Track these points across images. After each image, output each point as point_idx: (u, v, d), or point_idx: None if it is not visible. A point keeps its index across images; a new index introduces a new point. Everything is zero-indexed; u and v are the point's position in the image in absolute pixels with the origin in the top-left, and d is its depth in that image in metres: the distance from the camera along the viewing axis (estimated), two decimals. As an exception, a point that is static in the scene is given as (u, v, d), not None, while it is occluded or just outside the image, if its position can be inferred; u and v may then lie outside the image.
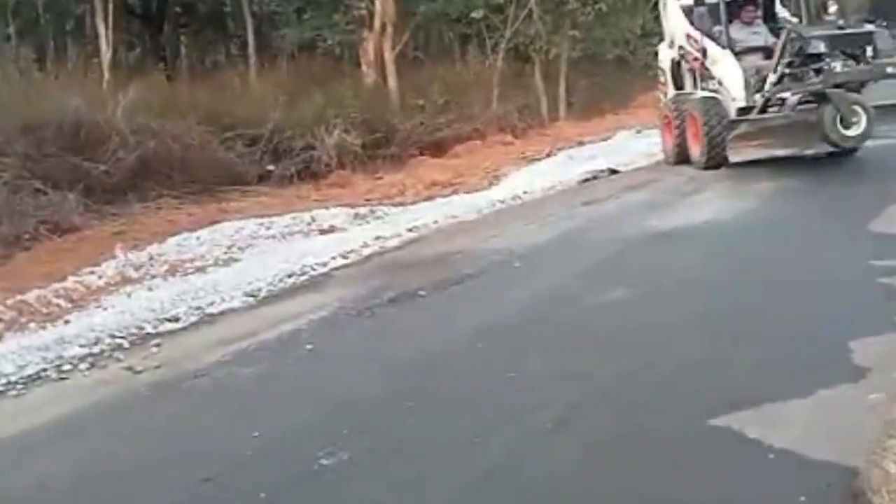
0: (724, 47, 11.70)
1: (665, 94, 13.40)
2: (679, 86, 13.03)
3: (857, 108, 10.58)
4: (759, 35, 12.00)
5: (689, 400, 4.49)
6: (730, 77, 11.50)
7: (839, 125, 10.46)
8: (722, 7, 11.87)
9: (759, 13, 12.30)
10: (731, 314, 5.86)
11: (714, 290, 6.50)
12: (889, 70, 10.96)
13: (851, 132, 10.51)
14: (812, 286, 6.31)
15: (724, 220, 8.89)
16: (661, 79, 13.63)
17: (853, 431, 3.94)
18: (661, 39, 13.81)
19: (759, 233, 8.36)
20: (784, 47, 10.87)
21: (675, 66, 13.09)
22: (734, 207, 9.41)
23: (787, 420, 4.16)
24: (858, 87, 11.06)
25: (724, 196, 10.14)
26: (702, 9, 12.51)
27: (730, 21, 11.89)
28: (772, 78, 10.92)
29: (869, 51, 10.90)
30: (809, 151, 11.13)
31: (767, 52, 11.55)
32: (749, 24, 12.08)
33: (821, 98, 10.80)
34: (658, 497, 3.64)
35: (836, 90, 10.67)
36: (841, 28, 11.10)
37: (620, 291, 6.58)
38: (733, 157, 11.34)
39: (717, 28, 12.04)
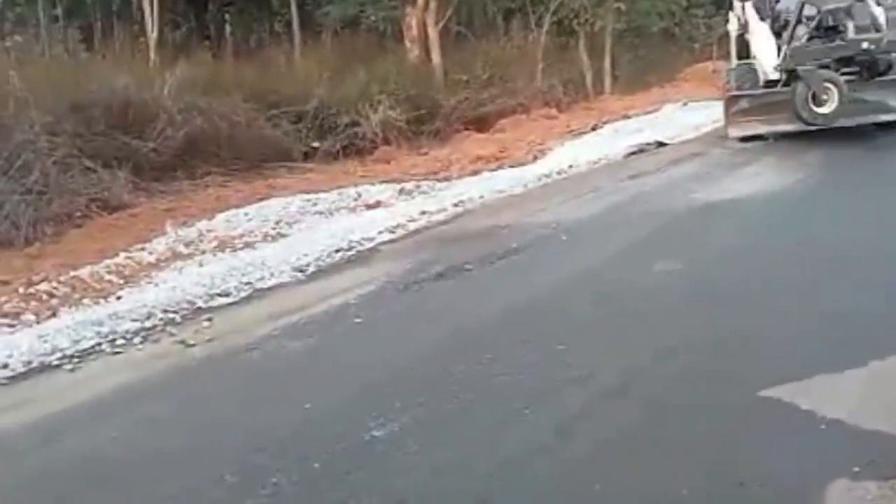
0: (763, 19, 11.55)
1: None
2: (741, 56, 12.90)
3: (828, 85, 10.40)
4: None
5: (738, 372, 4.48)
6: (761, 50, 11.39)
7: (811, 102, 10.32)
8: None
9: None
10: (778, 288, 5.83)
11: (760, 262, 6.46)
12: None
13: (823, 109, 10.33)
14: (862, 259, 6.26)
15: (771, 193, 8.85)
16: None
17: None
18: (706, 12, 13.74)
19: (804, 205, 8.31)
20: (798, 19, 10.80)
21: (739, 36, 12.98)
22: (780, 180, 9.37)
23: (839, 392, 4.15)
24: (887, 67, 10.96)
25: (771, 168, 10.06)
26: None
27: None
28: (785, 50, 10.83)
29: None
30: (813, 126, 10.92)
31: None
32: None
33: (792, 75, 10.69)
34: (711, 464, 3.66)
35: (808, 68, 10.58)
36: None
37: (666, 264, 6.57)
38: (734, 132, 11.31)
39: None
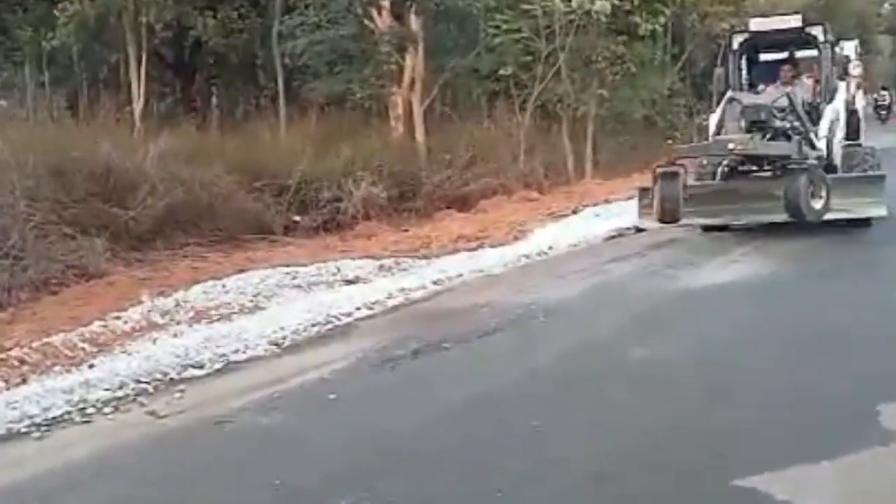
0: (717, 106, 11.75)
1: None
2: None
3: (822, 183, 10.46)
4: (795, 96, 11.46)
5: (714, 460, 4.44)
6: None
7: (810, 196, 10.27)
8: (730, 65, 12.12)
9: (799, 71, 12.26)
10: (755, 375, 5.82)
11: (737, 350, 6.45)
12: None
13: (817, 205, 10.41)
14: (840, 347, 6.27)
15: (748, 280, 8.88)
16: None
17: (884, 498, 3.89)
18: (686, 101, 13.98)
19: (781, 293, 8.33)
20: (724, 112, 11.00)
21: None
22: (758, 267, 9.42)
23: (813, 482, 4.11)
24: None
25: (749, 255, 10.11)
26: (719, 70, 12.66)
27: (769, 82, 12.03)
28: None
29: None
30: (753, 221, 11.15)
31: (808, 113, 11.37)
32: (788, 83, 11.91)
33: (784, 169, 10.71)
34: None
35: (811, 162, 10.63)
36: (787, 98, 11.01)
37: (643, 351, 6.55)
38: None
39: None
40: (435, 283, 9.60)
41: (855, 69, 12.45)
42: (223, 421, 5.53)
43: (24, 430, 5.51)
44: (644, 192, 11.55)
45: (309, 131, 16.64)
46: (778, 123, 10.74)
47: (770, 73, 12.36)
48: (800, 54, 12.53)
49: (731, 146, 10.39)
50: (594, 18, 19.25)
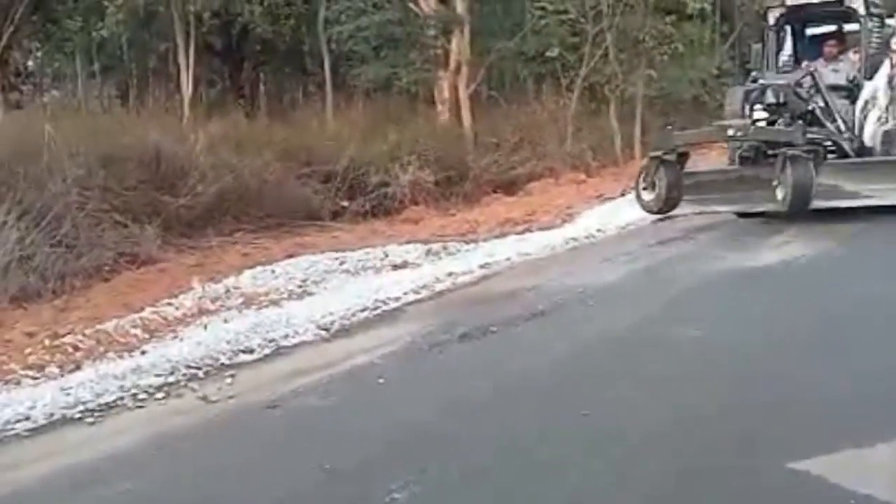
0: None
1: None
2: None
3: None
4: (839, 73, 11.47)
5: (765, 443, 4.40)
6: None
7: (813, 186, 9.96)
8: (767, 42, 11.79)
9: (847, 46, 11.77)
10: (808, 355, 5.75)
11: (788, 329, 6.38)
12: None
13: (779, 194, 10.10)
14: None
15: (800, 260, 8.75)
16: None
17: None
18: (735, 81, 13.71)
19: (834, 272, 8.22)
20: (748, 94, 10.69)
21: None
22: (810, 247, 9.26)
23: (869, 466, 4.06)
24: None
25: (800, 236, 9.94)
26: (756, 47, 12.38)
27: (815, 58, 11.58)
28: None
29: None
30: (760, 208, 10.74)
31: (849, 90, 11.17)
32: (833, 59, 11.59)
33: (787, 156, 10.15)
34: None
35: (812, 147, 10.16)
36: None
37: (692, 331, 6.48)
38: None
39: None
40: (482, 267, 9.58)
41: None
42: (274, 405, 5.56)
43: (77, 415, 5.57)
44: (646, 170, 11.36)
45: (356, 117, 16.73)
46: (800, 105, 10.40)
47: (817, 49, 11.88)
48: (848, 28, 11.88)
49: (730, 132, 10.21)
50: (641, -2, 19.08)
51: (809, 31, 12.30)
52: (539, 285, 8.56)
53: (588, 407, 5.04)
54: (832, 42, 11.77)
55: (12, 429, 5.38)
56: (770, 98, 10.44)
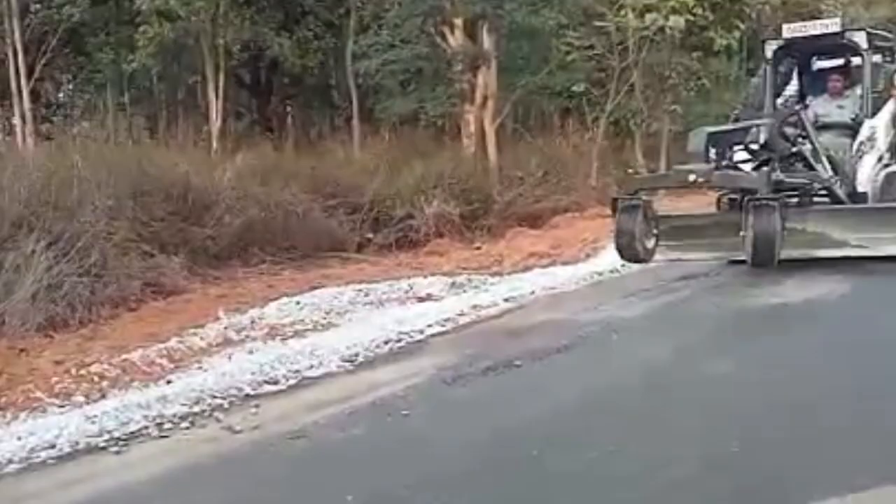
0: None
1: None
2: None
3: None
4: (844, 110, 10.92)
5: (788, 482, 4.37)
6: None
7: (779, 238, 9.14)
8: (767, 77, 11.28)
9: (853, 81, 11.01)
10: (833, 395, 5.71)
11: (814, 366, 6.34)
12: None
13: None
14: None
15: (824, 298, 8.68)
16: None
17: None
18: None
19: (862, 312, 8.15)
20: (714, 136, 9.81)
21: None
22: (833, 287, 9.13)
23: None
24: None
25: (829, 272, 9.84)
26: (755, 80, 12.02)
27: (818, 94, 11.14)
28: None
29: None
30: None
31: (852, 128, 10.60)
32: (839, 95, 11.05)
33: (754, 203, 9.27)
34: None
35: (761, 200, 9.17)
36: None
37: (717, 368, 6.45)
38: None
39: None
40: (506, 300, 9.58)
41: None
42: (297, 436, 5.57)
43: (102, 444, 5.61)
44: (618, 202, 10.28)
45: (382, 150, 16.83)
46: (785, 146, 9.79)
47: (823, 84, 11.29)
48: (856, 61, 11.00)
49: (691, 177, 9.41)
50: (668, 34, 19.08)
51: (816, 66, 11.68)
52: (564, 319, 8.56)
53: (615, 444, 5.02)
54: (835, 77, 11.18)
55: (38, 457, 5.42)
56: (750, 139, 9.91)
